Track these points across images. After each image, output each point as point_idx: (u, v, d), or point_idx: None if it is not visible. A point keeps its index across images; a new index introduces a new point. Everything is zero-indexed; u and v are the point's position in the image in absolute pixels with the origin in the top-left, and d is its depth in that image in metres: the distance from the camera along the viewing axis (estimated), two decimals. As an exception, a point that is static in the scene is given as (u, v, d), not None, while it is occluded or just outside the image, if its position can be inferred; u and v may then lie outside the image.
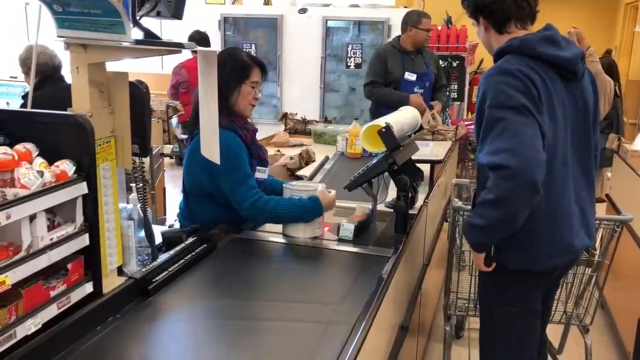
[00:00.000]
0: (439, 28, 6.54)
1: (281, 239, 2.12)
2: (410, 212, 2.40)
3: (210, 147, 1.59)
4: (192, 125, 2.33)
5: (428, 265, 2.57)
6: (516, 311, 1.97)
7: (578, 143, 1.91)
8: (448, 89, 6.53)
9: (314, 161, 3.37)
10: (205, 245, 1.94)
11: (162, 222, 4.05)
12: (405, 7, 6.51)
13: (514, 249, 1.88)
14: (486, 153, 1.73)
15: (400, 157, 2.02)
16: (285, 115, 4.38)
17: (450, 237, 2.69)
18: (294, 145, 3.91)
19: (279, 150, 3.52)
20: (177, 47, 1.40)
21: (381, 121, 2.01)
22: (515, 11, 1.88)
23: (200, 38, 5.37)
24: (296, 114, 4.50)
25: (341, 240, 2.10)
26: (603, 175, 4.64)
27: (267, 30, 6.76)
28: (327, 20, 6.45)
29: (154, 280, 1.65)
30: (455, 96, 6.64)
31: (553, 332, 2.62)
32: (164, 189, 4.49)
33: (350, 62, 6.55)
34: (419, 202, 2.52)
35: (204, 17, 6.72)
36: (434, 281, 3.18)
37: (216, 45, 6.68)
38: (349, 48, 6.51)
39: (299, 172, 3.07)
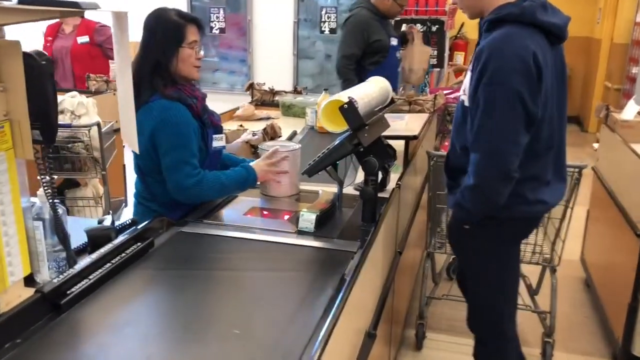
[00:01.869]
0: (418, -10, 6.19)
1: (230, 232, 1.85)
2: (382, 195, 2.15)
3: (128, 130, 1.29)
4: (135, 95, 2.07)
5: (402, 253, 2.32)
6: (499, 253, 2.05)
7: (561, 100, 1.96)
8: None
9: (280, 137, 3.08)
10: (139, 244, 1.66)
11: (119, 204, 3.76)
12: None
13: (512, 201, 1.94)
14: (473, 130, 1.82)
15: (367, 137, 1.75)
16: (251, 86, 4.04)
17: (430, 183, 2.85)
18: (261, 119, 3.61)
19: (241, 125, 3.21)
20: (73, 7, 1.10)
21: (343, 95, 1.73)
22: None
23: None
24: (264, 83, 4.17)
25: (301, 233, 1.84)
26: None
27: (236, -7, 6.37)
28: (298, -19, 6.09)
29: (69, 292, 1.38)
30: (435, 62, 6.33)
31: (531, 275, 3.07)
32: (124, 166, 4.17)
33: (325, 27, 6.20)
34: (392, 184, 2.27)
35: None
36: (409, 265, 2.95)
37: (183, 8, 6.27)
38: (323, 12, 6.15)
39: (262, 150, 2.78)
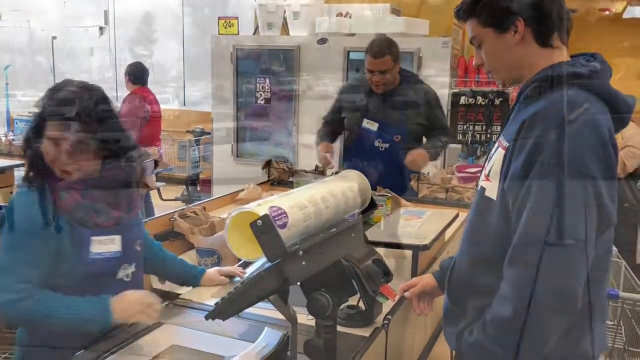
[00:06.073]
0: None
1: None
2: (362, 333, 1.52)
3: None
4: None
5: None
6: None
7: None
8: (488, 132, 5.54)
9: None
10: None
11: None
12: (445, 36, 5.59)
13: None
14: (517, 232, 1.25)
15: (301, 268, 1.13)
16: (268, 163, 3.52)
17: None
18: (268, 204, 3.05)
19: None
20: None
21: (264, 204, 1.12)
22: (559, 19, 1.38)
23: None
24: (286, 160, 3.65)
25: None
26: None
27: (283, 62, 6.04)
28: (349, 51, 5.65)
29: None
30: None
31: None
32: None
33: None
34: (381, 316, 1.61)
35: (216, 47, 6.09)
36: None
37: (229, 76, 6.02)
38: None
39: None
